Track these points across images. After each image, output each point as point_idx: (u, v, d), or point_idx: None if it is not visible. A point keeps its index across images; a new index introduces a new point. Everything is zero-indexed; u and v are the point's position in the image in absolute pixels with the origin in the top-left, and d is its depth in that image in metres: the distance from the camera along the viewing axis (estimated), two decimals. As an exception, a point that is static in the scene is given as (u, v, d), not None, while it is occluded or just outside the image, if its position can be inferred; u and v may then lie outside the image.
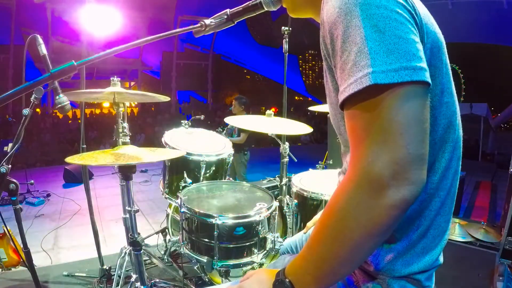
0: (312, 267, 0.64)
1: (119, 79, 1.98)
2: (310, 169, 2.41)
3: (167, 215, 2.50)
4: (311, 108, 2.93)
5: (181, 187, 1.94)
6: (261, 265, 1.70)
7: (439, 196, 0.72)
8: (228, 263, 1.62)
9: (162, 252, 2.65)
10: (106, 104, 14.43)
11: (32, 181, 4.54)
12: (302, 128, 2.26)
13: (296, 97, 29.50)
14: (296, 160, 2.81)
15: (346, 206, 0.59)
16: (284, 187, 2.35)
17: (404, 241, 0.72)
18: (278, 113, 2.47)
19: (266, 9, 0.90)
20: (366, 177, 0.56)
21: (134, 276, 1.80)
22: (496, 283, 1.96)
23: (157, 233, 2.76)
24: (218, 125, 4.77)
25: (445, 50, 0.72)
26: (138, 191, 5.89)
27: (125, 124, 1.99)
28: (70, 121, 13.28)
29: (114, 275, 2.04)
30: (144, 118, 14.65)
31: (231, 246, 1.63)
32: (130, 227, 1.67)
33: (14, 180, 1.33)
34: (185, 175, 2.05)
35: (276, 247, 1.71)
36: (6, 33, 13.40)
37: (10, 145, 1.36)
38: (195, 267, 1.92)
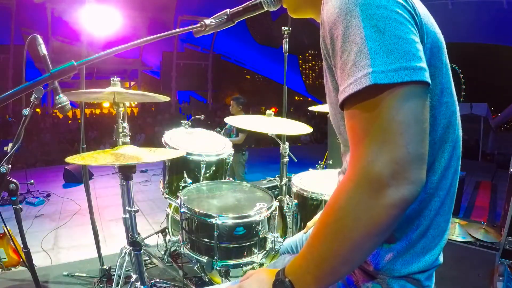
0: (312, 267, 0.64)
1: (119, 79, 1.98)
2: (310, 169, 2.41)
3: (167, 215, 2.50)
4: (311, 108, 2.93)
5: (181, 187, 1.94)
6: (261, 265, 1.70)
7: (438, 196, 0.72)
8: (228, 263, 1.62)
9: (162, 252, 2.65)
10: (106, 104, 14.44)
11: (32, 181, 4.53)
12: (302, 128, 2.26)
13: (296, 97, 29.51)
14: (296, 160, 2.82)
15: (345, 205, 0.59)
16: (284, 187, 2.35)
17: (403, 240, 0.72)
18: (278, 113, 2.47)
19: (266, 9, 0.90)
20: (366, 177, 0.56)
21: (134, 276, 1.80)
22: (496, 283, 1.96)
23: (157, 233, 2.75)
24: (218, 125, 4.77)
25: (445, 50, 0.72)
26: (138, 191, 5.89)
27: (125, 124, 1.99)
28: (70, 121, 13.29)
29: (114, 275, 2.04)
30: (144, 118, 14.65)
31: (231, 246, 1.63)
32: (130, 227, 1.68)
33: (14, 180, 1.33)
34: (185, 175, 2.05)
35: (276, 247, 1.71)
36: (6, 33, 13.40)
37: (10, 145, 1.36)
38: (195, 267, 1.92)
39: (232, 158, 2.40)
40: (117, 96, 1.92)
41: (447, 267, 1.02)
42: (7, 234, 2.45)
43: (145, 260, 2.36)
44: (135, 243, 1.66)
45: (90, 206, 2.43)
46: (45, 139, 10.62)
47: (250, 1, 0.91)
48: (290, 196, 2.20)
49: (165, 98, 2.04)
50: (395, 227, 0.58)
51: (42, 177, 6.82)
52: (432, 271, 0.77)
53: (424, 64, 0.58)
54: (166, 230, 2.57)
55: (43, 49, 1.18)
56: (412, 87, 0.56)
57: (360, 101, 0.58)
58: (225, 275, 1.64)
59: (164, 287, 2.25)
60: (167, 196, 2.31)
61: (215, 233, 1.58)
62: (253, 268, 1.67)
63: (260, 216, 1.63)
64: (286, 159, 2.38)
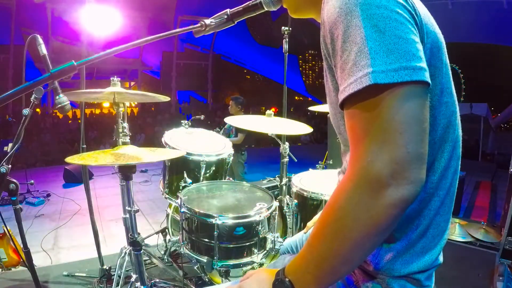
0: (312, 266, 0.64)
1: (119, 79, 1.98)
2: (310, 169, 2.41)
3: (167, 215, 2.50)
4: (311, 108, 2.93)
5: (181, 187, 1.94)
6: (261, 265, 1.70)
7: (438, 196, 0.72)
8: (228, 263, 1.62)
9: (162, 252, 2.65)
10: (106, 104, 14.44)
11: (32, 181, 4.53)
12: (302, 128, 2.26)
13: (296, 97, 29.51)
14: (296, 160, 2.82)
15: (345, 205, 0.59)
16: (284, 187, 2.35)
17: (403, 240, 0.72)
18: (278, 113, 2.47)
19: (266, 9, 0.90)
20: (366, 176, 0.56)
21: (134, 276, 1.80)
22: (496, 283, 1.96)
23: (157, 233, 2.75)
24: (218, 125, 4.78)
25: (445, 50, 0.72)
26: (138, 191, 5.89)
27: (125, 124, 1.99)
28: (70, 121, 13.29)
29: (114, 275, 2.04)
30: (144, 118, 14.65)
31: (231, 246, 1.63)
32: (130, 227, 1.68)
33: (14, 180, 1.33)
34: (185, 175, 2.05)
35: (276, 247, 1.71)
36: (6, 33, 13.40)
37: (10, 145, 1.36)
38: (195, 267, 1.92)
39: (232, 158, 2.40)
40: (117, 96, 1.92)
41: (447, 267, 1.02)
42: (7, 234, 2.45)
43: (145, 260, 2.36)
44: (135, 243, 1.66)
45: (90, 206, 2.43)
46: (45, 139, 10.62)
47: (250, 1, 0.91)
48: (290, 196, 2.20)
49: (165, 98, 2.04)
50: (395, 227, 0.59)
51: (42, 177, 6.82)
52: (432, 271, 0.77)
53: (424, 64, 0.58)
54: (166, 230, 2.57)
55: (43, 49, 1.18)
56: (412, 87, 0.56)
57: (360, 101, 0.58)
58: (225, 275, 1.64)
59: (164, 287, 2.25)
60: (167, 196, 2.31)
61: (215, 233, 1.58)
62: (253, 268, 1.67)
63: (260, 216, 1.63)
64: (286, 159, 2.38)
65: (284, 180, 2.36)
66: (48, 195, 5.51)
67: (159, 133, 4.67)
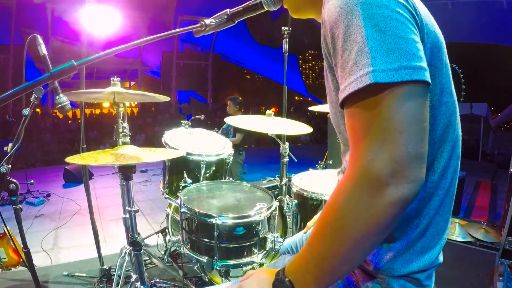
0: (312, 266, 0.64)
1: (119, 79, 1.98)
2: (310, 169, 2.41)
3: (167, 215, 2.50)
4: (311, 108, 2.93)
5: (181, 187, 1.94)
6: (261, 265, 1.70)
7: (438, 195, 0.72)
8: (228, 263, 1.62)
9: (162, 252, 2.65)
10: (106, 104, 14.43)
11: (32, 181, 4.54)
12: (302, 128, 2.26)
13: (296, 97, 29.52)
14: (296, 160, 2.82)
15: (345, 204, 0.59)
16: (284, 187, 2.35)
17: (403, 240, 0.72)
18: (278, 113, 2.47)
19: (266, 9, 0.90)
20: (366, 176, 0.56)
21: (134, 276, 1.80)
22: (496, 283, 1.96)
23: (157, 233, 2.76)
24: (217, 125, 4.78)
25: (445, 50, 0.72)
26: (138, 191, 5.89)
27: (125, 124, 1.99)
28: (70, 121, 13.30)
29: (114, 275, 2.04)
30: (144, 118, 14.65)
31: (231, 246, 1.63)
32: (130, 227, 1.67)
33: (14, 180, 1.33)
34: (185, 175, 2.05)
35: (276, 247, 1.71)
36: (6, 33, 13.41)
37: (10, 145, 1.36)
38: (195, 267, 1.92)
39: (232, 158, 2.40)
40: (117, 96, 1.92)
41: (447, 267, 1.02)
42: (7, 234, 2.45)
43: (145, 260, 2.36)
44: (135, 243, 1.66)
45: (90, 206, 2.43)
46: (45, 139, 10.63)
47: (250, 1, 0.91)
48: (290, 196, 2.20)
49: (165, 98, 2.04)
50: (395, 226, 0.59)
51: (42, 177, 6.83)
52: (432, 271, 0.77)
53: (424, 64, 0.58)
54: (166, 230, 2.57)
55: (43, 49, 1.19)
56: (412, 86, 0.56)
57: (360, 100, 0.58)
58: (225, 275, 1.64)
59: (164, 287, 2.25)
60: (167, 196, 2.31)
61: (215, 233, 1.58)
62: (253, 268, 1.67)
63: (260, 216, 1.63)
64: (286, 159, 2.38)
65: (284, 180, 2.36)
66: (48, 195, 5.51)
67: (159, 133, 4.67)
